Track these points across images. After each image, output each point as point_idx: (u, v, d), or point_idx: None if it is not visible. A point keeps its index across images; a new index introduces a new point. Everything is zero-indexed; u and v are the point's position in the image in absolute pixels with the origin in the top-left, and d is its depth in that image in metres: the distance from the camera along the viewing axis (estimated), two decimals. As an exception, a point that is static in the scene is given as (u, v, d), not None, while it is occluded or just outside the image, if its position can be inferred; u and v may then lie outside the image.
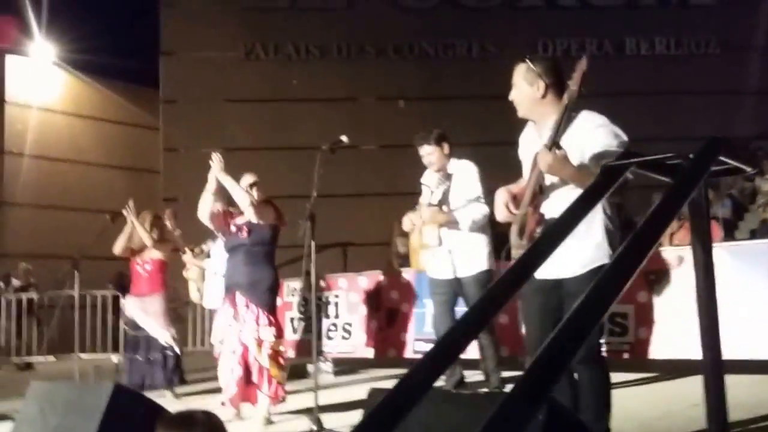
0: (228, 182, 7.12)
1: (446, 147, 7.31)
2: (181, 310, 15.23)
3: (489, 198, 7.17)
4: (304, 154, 9.24)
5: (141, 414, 4.34)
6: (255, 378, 7.00)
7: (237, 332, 7.06)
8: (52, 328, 14.09)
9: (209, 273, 9.43)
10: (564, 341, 2.01)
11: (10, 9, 20.67)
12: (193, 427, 3.36)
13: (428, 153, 7.31)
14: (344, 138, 7.01)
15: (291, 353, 9.76)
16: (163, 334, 9.26)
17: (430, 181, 7.35)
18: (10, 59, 21.29)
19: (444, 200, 7.18)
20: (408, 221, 7.39)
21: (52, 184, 21.16)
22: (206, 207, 7.32)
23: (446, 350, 2.26)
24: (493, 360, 7.29)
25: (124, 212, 9.46)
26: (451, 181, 7.19)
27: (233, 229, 7.29)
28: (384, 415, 2.07)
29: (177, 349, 9.38)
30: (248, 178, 7.36)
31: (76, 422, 4.45)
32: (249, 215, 7.15)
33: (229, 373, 7.11)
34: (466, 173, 7.24)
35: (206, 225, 7.78)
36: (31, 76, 21.49)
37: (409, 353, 9.55)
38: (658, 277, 7.78)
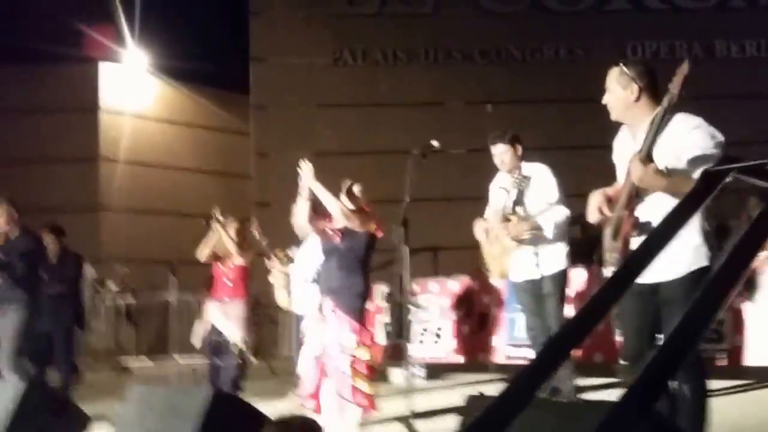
0: (319, 190, 7.02)
1: (519, 149, 7.27)
2: (272, 313, 15.40)
3: (568, 201, 7.16)
4: (393, 158, 9.27)
5: (239, 419, 4.38)
6: (336, 385, 6.90)
7: (320, 336, 7.06)
8: (149, 332, 14.34)
9: (296, 278, 9.47)
10: (673, 350, 1.99)
11: (104, 18, 21.10)
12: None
13: (501, 152, 7.25)
14: (435, 143, 7.02)
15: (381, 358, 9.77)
16: (239, 339, 9.37)
17: (505, 183, 7.26)
18: (103, 67, 21.66)
19: (519, 202, 7.09)
20: (480, 230, 7.34)
21: (146, 189, 21.47)
22: (304, 214, 7.25)
23: (548, 360, 2.26)
24: (566, 366, 7.17)
25: (214, 218, 9.62)
26: (528, 183, 7.11)
27: (329, 232, 7.24)
28: (488, 425, 2.07)
29: (249, 357, 9.49)
30: (347, 185, 7.35)
31: (174, 426, 4.51)
32: (343, 223, 7.11)
33: (305, 374, 7.13)
34: (543, 177, 7.19)
35: (306, 231, 7.77)
36: (125, 83, 21.81)
37: (500, 358, 9.49)
38: (754, 282, 7.65)
